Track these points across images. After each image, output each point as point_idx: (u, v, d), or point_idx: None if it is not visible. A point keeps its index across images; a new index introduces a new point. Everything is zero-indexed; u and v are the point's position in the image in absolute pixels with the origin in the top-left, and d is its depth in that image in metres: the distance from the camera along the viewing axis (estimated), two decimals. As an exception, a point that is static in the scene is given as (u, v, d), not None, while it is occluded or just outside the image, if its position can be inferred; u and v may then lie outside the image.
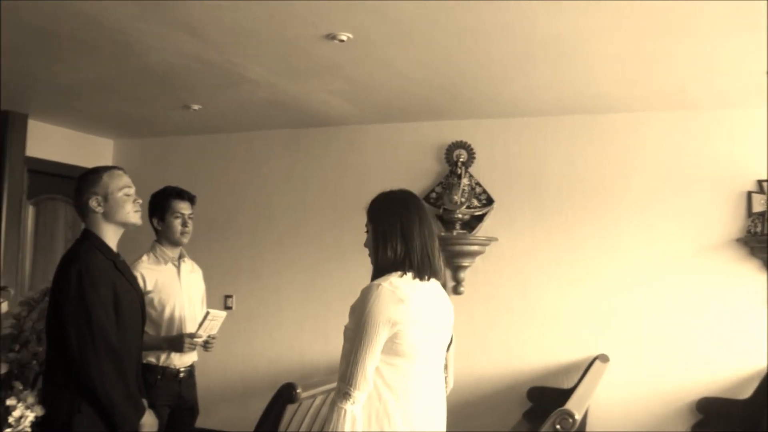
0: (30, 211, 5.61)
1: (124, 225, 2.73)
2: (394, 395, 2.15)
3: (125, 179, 2.73)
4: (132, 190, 2.73)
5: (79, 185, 2.72)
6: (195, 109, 5.10)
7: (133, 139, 6.24)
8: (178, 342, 3.47)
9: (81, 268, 2.53)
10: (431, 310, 2.24)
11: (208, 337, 3.54)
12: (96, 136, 6.16)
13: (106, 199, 2.67)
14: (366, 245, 2.30)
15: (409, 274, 2.20)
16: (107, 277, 2.59)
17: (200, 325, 3.47)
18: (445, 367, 2.37)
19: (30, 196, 5.56)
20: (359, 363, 2.10)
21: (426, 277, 2.22)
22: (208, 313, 3.46)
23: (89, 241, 2.66)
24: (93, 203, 2.67)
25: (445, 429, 2.31)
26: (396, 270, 2.20)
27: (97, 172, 2.72)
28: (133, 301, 2.74)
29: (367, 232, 2.30)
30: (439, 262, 2.28)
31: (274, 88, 4.50)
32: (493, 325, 5.09)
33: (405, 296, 2.14)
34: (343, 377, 2.12)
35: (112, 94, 4.77)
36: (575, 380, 4.61)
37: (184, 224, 3.62)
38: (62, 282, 2.54)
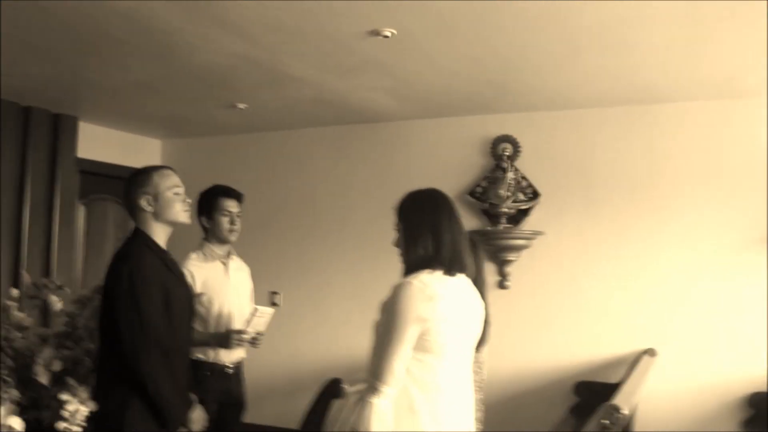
0: (81, 212, 5.67)
1: (174, 224, 2.74)
2: (422, 391, 2.17)
3: (174, 178, 2.75)
4: (181, 189, 2.74)
5: (129, 185, 2.73)
6: (241, 108, 5.14)
7: (181, 139, 6.30)
8: (226, 339, 3.48)
9: (132, 266, 2.55)
10: (461, 307, 2.26)
11: (256, 333, 3.54)
12: (144, 136, 6.22)
13: (156, 198, 2.68)
14: (395, 244, 2.33)
15: (439, 271, 2.23)
16: (158, 275, 2.61)
17: (248, 322, 3.48)
18: (478, 362, 2.30)
19: (81, 197, 5.63)
20: (388, 358, 2.13)
21: (455, 273, 2.24)
22: (255, 310, 3.47)
23: (140, 239, 2.68)
24: (143, 202, 2.68)
25: (473, 426, 2.33)
26: (426, 267, 2.22)
27: (147, 172, 2.74)
28: (183, 299, 2.75)
29: (397, 230, 2.33)
30: (468, 257, 2.30)
31: (319, 85, 4.51)
32: (539, 320, 5.06)
33: (434, 293, 2.17)
34: (373, 372, 2.15)
35: (159, 95, 4.81)
36: (622, 375, 4.53)
37: (232, 222, 3.62)
38: (114, 280, 2.55)
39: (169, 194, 2.70)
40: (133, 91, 4.69)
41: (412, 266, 2.25)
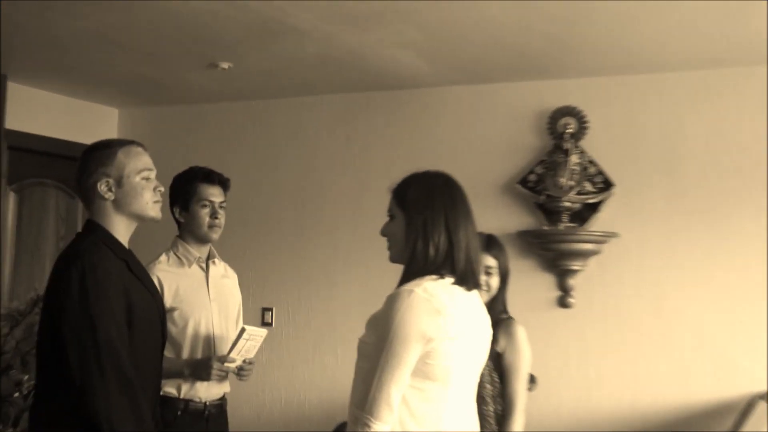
0: (11, 200, 5.64)
1: (140, 218, 2.77)
2: (421, 426, 2.23)
3: (146, 159, 2.77)
4: (153, 174, 2.77)
5: (84, 163, 2.75)
6: (224, 69, 5.12)
7: (145, 108, 6.30)
8: (204, 367, 3.50)
9: (85, 269, 2.55)
10: (471, 325, 2.35)
11: (244, 361, 3.57)
12: (96, 103, 6.19)
13: (119, 182, 2.70)
14: (385, 233, 2.42)
15: (448, 279, 2.30)
16: (118, 281, 2.62)
17: (233, 345, 3.49)
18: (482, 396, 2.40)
19: (11, 181, 5.60)
20: (383, 387, 2.18)
21: (468, 286, 2.34)
22: (243, 331, 3.48)
23: (95, 235, 2.69)
24: (102, 187, 2.70)
25: None
26: (432, 273, 2.30)
27: (109, 147, 2.75)
28: (152, 313, 2.77)
29: (390, 217, 2.41)
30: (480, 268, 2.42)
31: (326, 40, 4.52)
32: (614, 349, 5.05)
33: (442, 306, 2.24)
34: (361, 403, 2.20)
35: (117, 50, 4.80)
36: (729, 425, 4.51)
37: (214, 215, 3.67)
38: (60, 287, 2.56)
39: (137, 179, 2.72)
40: (82, 43, 4.67)
41: (415, 269, 2.31)
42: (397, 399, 2.20)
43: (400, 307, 2.21)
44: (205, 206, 3.65)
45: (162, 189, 2.81)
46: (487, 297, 3.15)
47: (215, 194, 3.68)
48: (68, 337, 2.50)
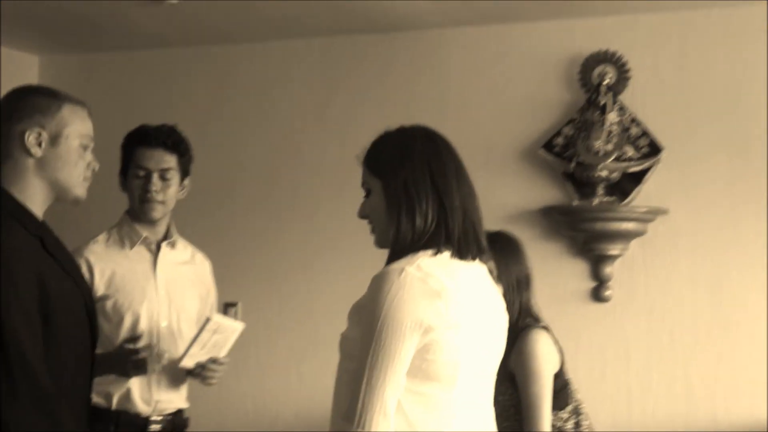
0: None
1: (63, 191, 2.76)
2: None
3: (90, 125, 2.79)
4: (91, 146, 2.79)
5: (13, 104, 2.73)
6: (172, 3, 5.06)
7: (71, 55, 6.29)
8: (118, 356, 3.46)
9: None
10: (479, 309, 2.34)
11: (209, 360, 3.54)
12: (11, 49, 6.14)
13: (54, 141, 2.70)
14: (365, 214, 2.44)
15: (446, 253, 2.29)
16: (29, 262, 2.59)
17: (194, 339, 3.48)
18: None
19: None
20: (374, 391, 2.16)
21: (470, 256, 2.33)
22: (207, 321, 3.47)
23: (1, 204, 2.64)
24: (31, 138, 2.67)
25: None
26: (425, 247, 2.28)
27: (56, 98, 2.75)
28: (75, 304, 2.73)
29: (367, 193, 2.43)
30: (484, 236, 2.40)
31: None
32: (661, 352, 5.04)
33: (442, 286, 2.22)
34: (350, 414, 2.19)
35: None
36: None
37: (148, 187, 3.64)
38: None
39: (76, 144, 2.74)
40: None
41: (404, 246, 2.30)
42: (392, 404, 2.17)
43: (390, 290, 2.18)
44: (137, 176, 3.64)
45: (96, 167, 2.79)
46: None
47: (153, 159, 3.64)
48: None
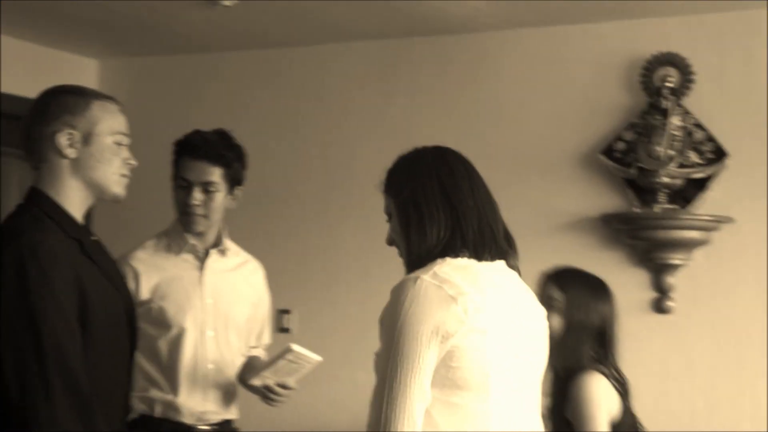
0: None
1: (100, 191, 2.76)
2: None
3: (123, 121, 2.80)
4: (127, 141, 2.78)
5: (43, 106, 2.73)
6: (226, 6, 5.09)
7: (129, 58, 6.38)
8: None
9: (23, 250, 2.54)
10: (508, 312, 2.29)
11: (277, 383, 3.56)
12: (71, 53, 6.21)
13: (87, 140, 2.70)
14: (391, 240, 2.45)
15: (463, 257, 2.28)
16: (68, 266, 2.59)
17: (270, 363, 3.52)
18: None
19: None
20: (398, 401, 2.15)
21: (488, 257, 2.31)
22: (288, 351, 3.46)
23: (39, 207, 2.67)
24: (63, 140, 2.67)
25: None
26: (442, 255, 2.28)
27: (83, 95, 2.75)
28: (115, 309, 2.75)
29: (389, 217, 2.44)
30: (505, 235, 2.39)
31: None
32: (727, 369, 4.95)
33: (458, 291, 2.19)
34: (372, 426, 2.19)
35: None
36: None
37: (191, 199, 3.62)
38: None
39: (109, 141, 2.73)
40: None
41: (419, 255, 2.31)
42: (418, 412, 2.15)
43: (405, 300, 2.18)
44: (180, 186, 3.63)
45: (134, 163, 2.79)
46: None
47: (195, 171, 3.61)
48: (2, 343, 2.48)
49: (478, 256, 2.29)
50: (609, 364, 3.33)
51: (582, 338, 3.30)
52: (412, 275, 2.23)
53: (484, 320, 2.20)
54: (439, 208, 2.30)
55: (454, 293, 2.18)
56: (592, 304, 3.35)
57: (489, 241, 2.31)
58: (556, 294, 3.30)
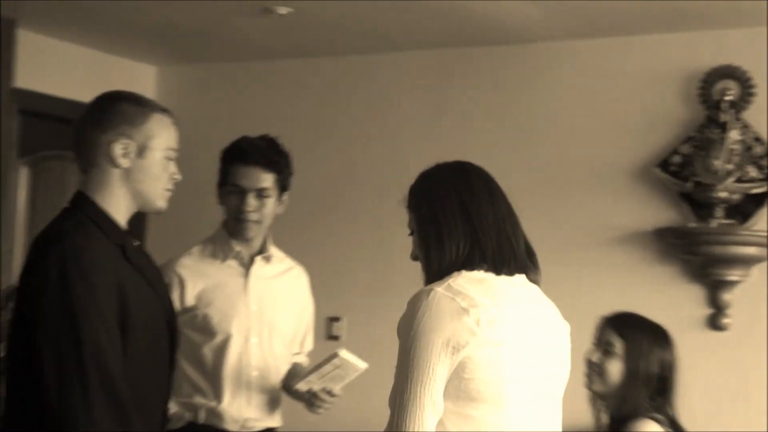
0: (23, 176, 5.85)
1: (145, 203, 2.79)
2: None
3: (175, 135, 2.81)
4: (176, 155, 2.82)
5: (101, 113, 2.74)
6: (282, 15, 5.13)
7: (187, 66, 6.43)
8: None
9: (66, 254, 2.54)
10: (526, 325, 2.30)
11: (322, 389, 3.56)
12: (129, 59, 6.25)
13: (141, 152, 2.72)
14: (414, 254, 2.46)
15: (480, 271, 2.30)
16: (110, 271, 2.60)
17: (315, 368, 3.51)
18: None
19: (23, 153, 5.68)
20: (408, 411, 2.16)
21: (506, 271, 2.32)
22: (335, 356, 3.48)
23: (84, 212, 2.68)
24: (118, 149, 2.68)
25: None
26: (461, 269, 2.30)
27: (144, 105, 2.77)
28: (155, 315, 2.77)
29: (411, 233, 2.46)
30: (526, 250, 2.40)
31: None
32: None
33: (471, 303, 2.21)
34: None
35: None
36: None
37: (243, 206, 3.62)
38: (34, 277, 2.57)
39: (161, 156, 2.75)
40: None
41: (437, 269, 2.34)
42: (429, 423, 2.16)
43: (418, 311, 2.21)
44: (233, 193, 3.62)
45: (179, 177, 2.82)
46: (600, 386, 3.24)
47: (249, 178, 3.61)
48: (42, 344, 2.48)
49: (497, 270, 2.30)
50: (665, 413, 3.29)
51: (640, 386, 3.27)
52: (427, 287, 2.26)
53: (499, 332, 2.22)
54: (458, 223, 2.32)
55: (467, 305, 2.20)
56: (653, 352, 3.31)
57: (508, 255, 2.32)
58: (616, 340, 3.28)
